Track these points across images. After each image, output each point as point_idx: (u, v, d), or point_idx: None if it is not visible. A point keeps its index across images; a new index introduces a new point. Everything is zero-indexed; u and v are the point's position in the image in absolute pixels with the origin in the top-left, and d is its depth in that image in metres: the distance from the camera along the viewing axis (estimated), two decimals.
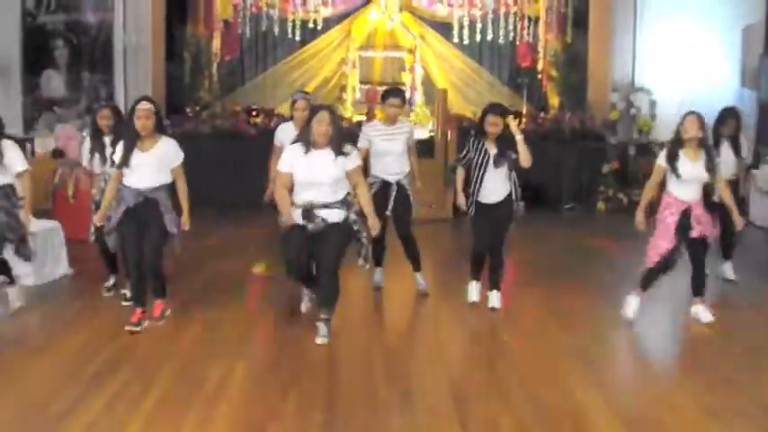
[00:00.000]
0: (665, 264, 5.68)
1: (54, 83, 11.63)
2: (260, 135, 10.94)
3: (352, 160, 5.32)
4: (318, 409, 4.25)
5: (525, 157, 5.86)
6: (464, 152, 6.05)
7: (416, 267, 6.52)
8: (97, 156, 6.07)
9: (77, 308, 5.68)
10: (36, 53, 11.52)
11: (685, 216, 5.62)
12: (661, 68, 11.85)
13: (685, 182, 5.63)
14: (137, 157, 5.39)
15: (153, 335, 5.41)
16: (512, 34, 12.88)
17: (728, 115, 6.89)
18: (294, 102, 6.39)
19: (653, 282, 5.79)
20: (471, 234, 6.18)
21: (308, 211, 5.23)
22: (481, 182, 5.95)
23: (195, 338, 5.39)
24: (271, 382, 4.65)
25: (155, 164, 5.44)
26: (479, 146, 5.93)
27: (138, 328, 5.39)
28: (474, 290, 6.24)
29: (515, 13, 12.81)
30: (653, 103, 11.90)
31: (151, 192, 5.44)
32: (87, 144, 6.18)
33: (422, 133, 11.09)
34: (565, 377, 4.77)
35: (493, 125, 5.84)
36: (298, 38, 12.79)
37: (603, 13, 12.18)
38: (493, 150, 5.89)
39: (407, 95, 12.79)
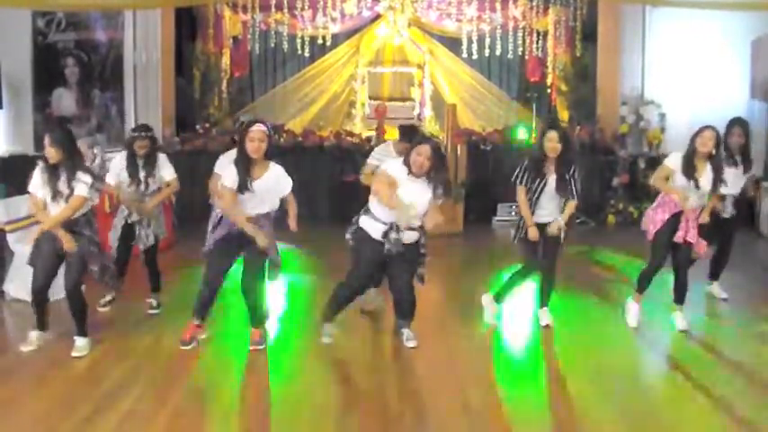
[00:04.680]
0: (654, 262, 5.90)
1: (65, 101, 11.69)
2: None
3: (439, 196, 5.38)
4: (331, 425, 4.24)
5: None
6: (522, 169, 5.79)
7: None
8: (133, 178, 6.20)
9: (90, 324, 5.66)
10: (47, 71, 11.57)
11: (674, 218, 5.79)
12: (670, 81, 11.84)
13: (687, 190, 5.74)
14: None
15: (165, 352, 5.40)
16: (520, 49, 12.89)
17: (735, 125, 6.63)
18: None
19: (646, 283, 5.99)
20: (522, 254, 6.00)
21: (393, 234, 5.27)
22: (536, 203, 5.78)
23: (208, 354, 5.37)
24: (284, 397, 4.63)
25: (264, 192, 5.28)
26: (538, 167, 5.73)
27: (190, 347, 5.39)
28: (491, 311, 6.13)
29: (524, 28, 12.83)
30: (662, 117, 11.88)
31: (255, 219, 5.32)
32: (121, 164, 6.24)
33: None
34: (578, 391, 4.74)
35: (551, 141, 5.64)
36: (307, 54, 12.83)
37: (612, 27, 12.19)
38: (552, 175, 5.73)
39: (416, 110, 12.85)
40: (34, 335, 5.44)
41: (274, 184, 5.32)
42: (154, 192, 6.32)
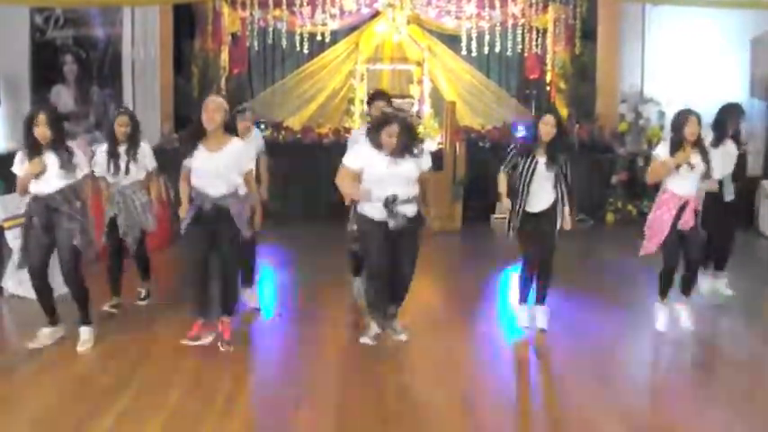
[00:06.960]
0: (670, 262, 5.75)
1: (63, 98, 11.68)
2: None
3: (426, 161, 5.30)
4: (329, 423, 4.23)
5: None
6: (509, 158, 5.78)
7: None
8: (112, 165, 6.06)
9: None
10: (45, 68, 11.58)
11: (681, 210, 5.69)
12: (670, 79, 11.81)
13: (683, 175, 5.67)
14: (203, 156, 5.13)
15: (163, 348, 5.39)
16: (520, 46, 12.87)
17: (736, 111, 6.69)
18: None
19: (668, 286, 5.83)
20: (521, 250, 5.90)
21: (391, 207, 5.12)
22: (527, 190, 5.70)
23: (206, 352, 5.34)
24: (282, 395, 4.62)
25: (223, 166, 5.12)
26: (527, 153, 5.69)
27: (195, 343, 5.27)
28: (524, 314, 5.94)
29: (523, 25, 12.80)
30: (662, 114, 11.86)
31: (222, 199, 5.17)
32: (104, 152, 6.11)
33: (430, 146, 11.05)
34: (577, 391, 4.73)
35: (547, 124, 5.62)
36: (306, 51, 12.81)
37: (612, 25, 12.19)
38: (542, 158, 5.67)
39: (416, 108, 12.82)
40: (46, 331, 5.34)
41: (233, 154, 5.17)
42: (135, 182, 6.15)
